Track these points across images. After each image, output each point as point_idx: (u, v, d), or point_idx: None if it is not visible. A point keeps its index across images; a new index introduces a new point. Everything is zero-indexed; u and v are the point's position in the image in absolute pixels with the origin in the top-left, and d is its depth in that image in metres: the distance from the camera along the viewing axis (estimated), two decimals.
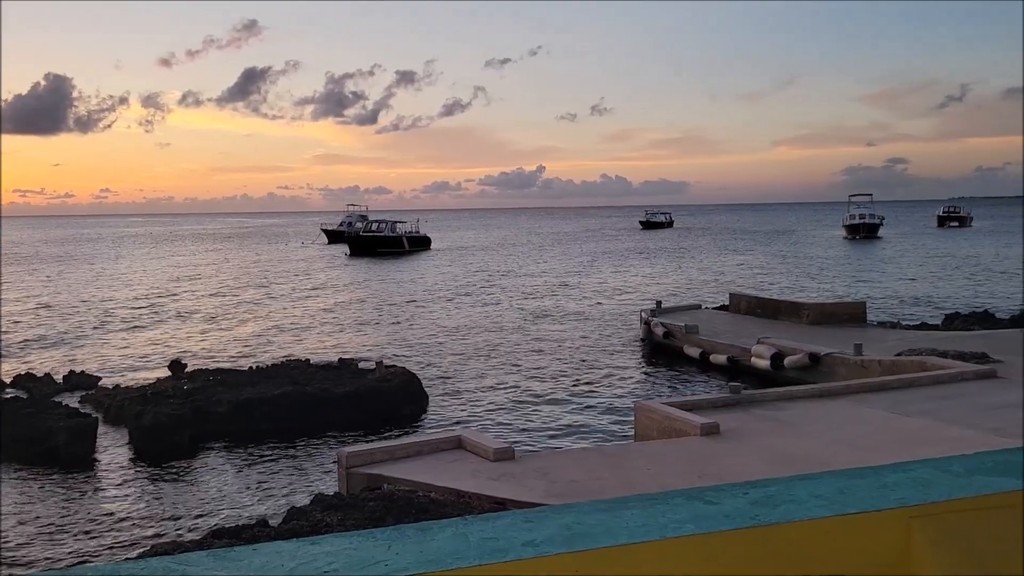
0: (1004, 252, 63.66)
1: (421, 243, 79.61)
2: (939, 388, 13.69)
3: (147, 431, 15.46)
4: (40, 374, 21.51)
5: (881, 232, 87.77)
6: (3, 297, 43.24)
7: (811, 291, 39.95)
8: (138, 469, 14.54)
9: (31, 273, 62.48)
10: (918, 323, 26.16)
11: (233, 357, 25.15)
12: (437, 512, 8.54)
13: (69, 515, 12.32)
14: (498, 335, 28.38)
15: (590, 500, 1.64)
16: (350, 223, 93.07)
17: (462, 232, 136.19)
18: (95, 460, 14.98)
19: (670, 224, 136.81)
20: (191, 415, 15.97)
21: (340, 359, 21.87)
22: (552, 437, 16.05)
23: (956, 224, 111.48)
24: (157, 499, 13.04)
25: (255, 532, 9.37)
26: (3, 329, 31.22)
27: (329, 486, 11.94)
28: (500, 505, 8.83)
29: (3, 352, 26.33)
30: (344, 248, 78.01)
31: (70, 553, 11.00)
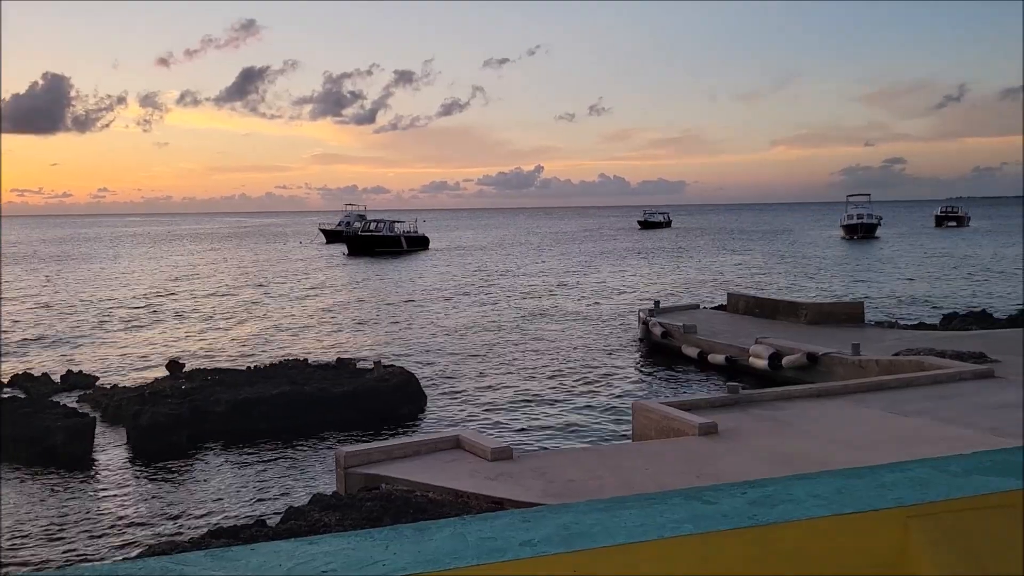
0: (1002, 252, 63.77)
1: (419, 243, 79.57)
2: (937, 388, 13.70)
3: (145, 431, 15.44)
4: (38, 374, 21.50)
5: (879, 232, 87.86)
6: (1, 297, 43.19)
7: (809, 291, 39.97)
8: (136, 469, 14.52)
9: (29, 273, 62.41)
10: (916, 323, 26.19)
11: (231, 357, 25.13)
12: (435, 512, 8.54)
13: (67, 515, 12.31)
14: (496, 335, 28.38)
15: (588, 500, 1.64)
16: (348, 223, 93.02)
17: (460, 232, 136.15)
18: (93, 460, 14.96)
19: (668, 224, 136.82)
20: (189, 415, 15.96)
21: (338, 359, 21.89)
22: (550, 437, 16.05)
23: (954, 224, 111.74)
24: (155, 499, 13.03)
25: (253, 532, 9.37)
26: (1, 328, 31.19)
27: (327, 486, 11.92)
28: (498, 505, 8.82)
29: (1, 352, 26.29)
30: (342, 248, 78.02)
31: (67, 553, 10.98)
